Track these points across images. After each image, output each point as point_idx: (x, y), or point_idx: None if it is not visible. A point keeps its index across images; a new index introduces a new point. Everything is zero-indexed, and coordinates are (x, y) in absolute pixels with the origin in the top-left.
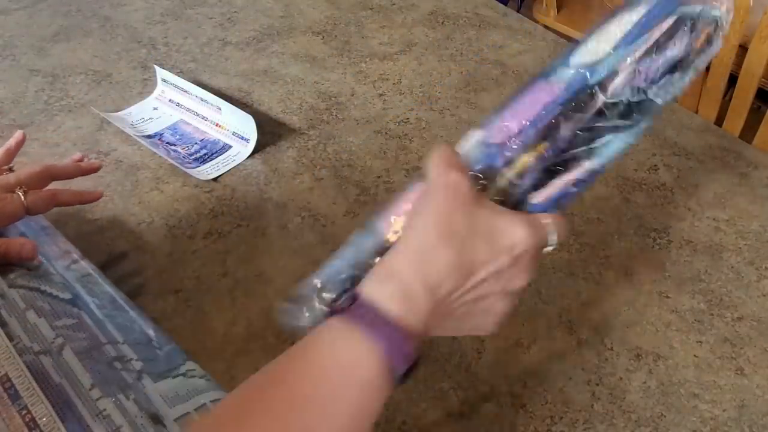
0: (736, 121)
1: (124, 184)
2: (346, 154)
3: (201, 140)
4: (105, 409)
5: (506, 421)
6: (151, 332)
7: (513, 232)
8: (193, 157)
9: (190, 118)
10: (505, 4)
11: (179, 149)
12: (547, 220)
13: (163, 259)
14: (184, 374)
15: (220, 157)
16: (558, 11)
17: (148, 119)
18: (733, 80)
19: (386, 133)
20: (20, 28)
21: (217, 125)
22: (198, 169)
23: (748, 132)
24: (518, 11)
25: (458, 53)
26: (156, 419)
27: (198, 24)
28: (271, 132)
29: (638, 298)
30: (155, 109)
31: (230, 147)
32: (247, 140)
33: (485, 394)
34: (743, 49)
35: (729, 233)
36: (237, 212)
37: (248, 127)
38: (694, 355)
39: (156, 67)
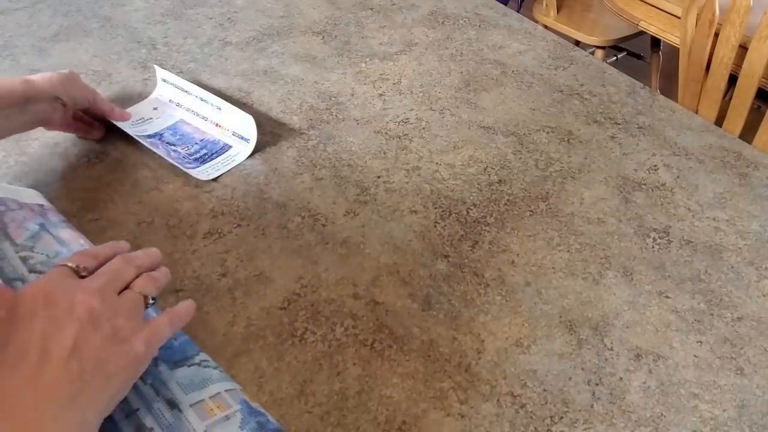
0: (736, 121)
1: (124, 184)
2: (346, 154)
3: (201, 140)
4: None
5: (506, 421)
6: None
7: None
8: (193, 157)
9: (190, 118)
10: (505, 4)
11: (179, 149)
12: None
13: (163, 259)
14: (198, 364)
15: (220, 157)
16: (558, 11)
17: (148, 119)
18: (733, 80)
19: (386, 133)
20: (20, 28)
21: (217, 125)
22: (198, 169)
23: (748, 132)
24: (518, 11)
25: (458, 53)
26: (172, 404)
27: (198, 24)
28: (271, 132)
29: (638, 298)
30: (155, 109)
31: (230, 147)
32: (247, 140)
33: (485, 394)
34: (743, 49)
35: (729, 233)
36: (237, 212)
37: (248, 127)
38: (694, 355)
39: (156, 67)
